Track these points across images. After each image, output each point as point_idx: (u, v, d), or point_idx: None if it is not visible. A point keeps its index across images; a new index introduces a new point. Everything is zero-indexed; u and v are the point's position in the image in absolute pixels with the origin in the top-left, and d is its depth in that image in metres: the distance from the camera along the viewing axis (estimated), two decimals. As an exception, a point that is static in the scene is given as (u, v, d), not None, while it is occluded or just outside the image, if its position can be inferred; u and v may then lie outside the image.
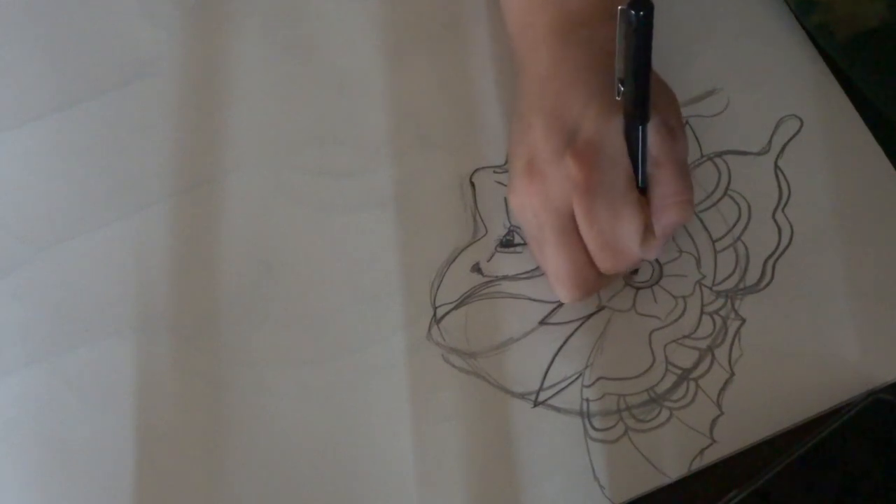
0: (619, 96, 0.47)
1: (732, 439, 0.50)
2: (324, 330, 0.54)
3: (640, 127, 0.47)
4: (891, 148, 0.55)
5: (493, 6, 0.60)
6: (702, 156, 0.56)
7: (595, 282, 0.51)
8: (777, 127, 0.56)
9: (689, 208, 0.49)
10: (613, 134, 0.48)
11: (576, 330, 0.53)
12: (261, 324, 0.54)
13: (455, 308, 0.54)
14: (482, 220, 0.55)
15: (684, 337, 0.52)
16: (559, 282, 0.51)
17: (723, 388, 0.51)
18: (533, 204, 0.50)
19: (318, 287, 0.54)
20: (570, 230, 0.49)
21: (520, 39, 0.54)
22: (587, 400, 0.51)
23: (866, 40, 0.55)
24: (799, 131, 0.56)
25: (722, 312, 0.52)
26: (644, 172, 0.49)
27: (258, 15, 0.61)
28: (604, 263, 0.49)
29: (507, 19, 0.56)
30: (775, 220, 0.54)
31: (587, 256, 0.50)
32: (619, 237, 0.48)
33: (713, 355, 0.52)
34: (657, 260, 0.54)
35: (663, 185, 0.49)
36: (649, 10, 0.43)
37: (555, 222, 0.50)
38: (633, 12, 0.43)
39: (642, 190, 0.49)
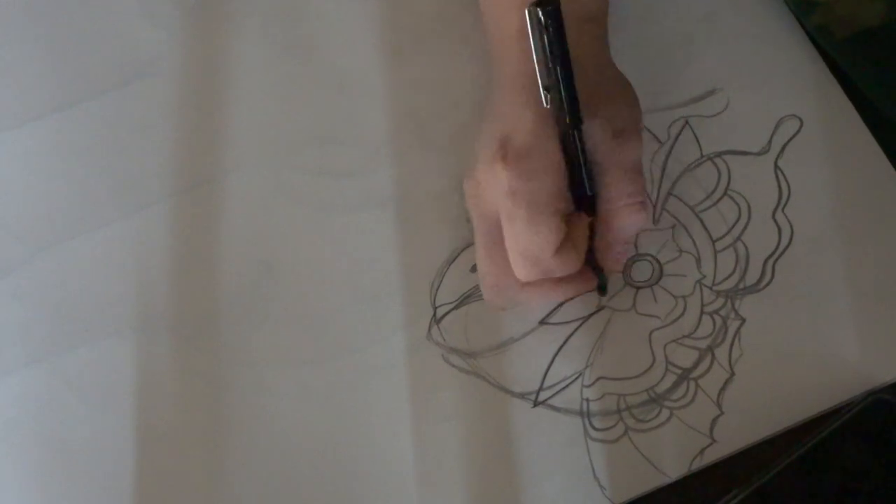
0: (547, 104, 0.46)
1: (732, 439, 0.50)
2: (324, 330, 0.54)
3: (575, 132, 0.47)
4: (891, 148, 0.55)
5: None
6: (702, 156, 0.56)
7: (513, 289, 0.50)
8: (777, 127, 0.56)
9: (640, 212, 0.49)
10: (544, 142, 0.47)
11: (576, 330, 0.53)
12: (261, 324, 0.54)
13: (455, 308, 0.54)
14: (482, 220, 0.55)
15: (684, 337, 0.52)
16: (484, 287, 0.52)
17: (723, 388, 0.51)
18: (470, 207, 0.51)
19: (318, 287, 0.54)
20: (496, 236, 0.50)
21: (491, 41, 0.54)
22: (587, 400, 0.51)
23: (866, 40, 0.55)
24: (799, 131, 0.56)
25: (722, 312, 0.52)
26: (590, 176, 0.48)
27: (258, 15, 0.61)
28: (519, 269, 0.49)
29: (484, 17, 0.56)
30: (775, 220, 0.54)
31: (506, 262, 0.50)
32: (533, 246, 0.48)
33: (713, 355, 0.52)
34: (657, 259, 0.54)
35: (610, 190, 0.48)
36: (555, 4, 0.42)
37: (482, 227, 0.50)
38: (539, 10, 0.42)
39: (590, 197, 0.49)
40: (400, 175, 0.57)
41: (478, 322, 0.53)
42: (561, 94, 0.45)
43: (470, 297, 0.54)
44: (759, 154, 0.56)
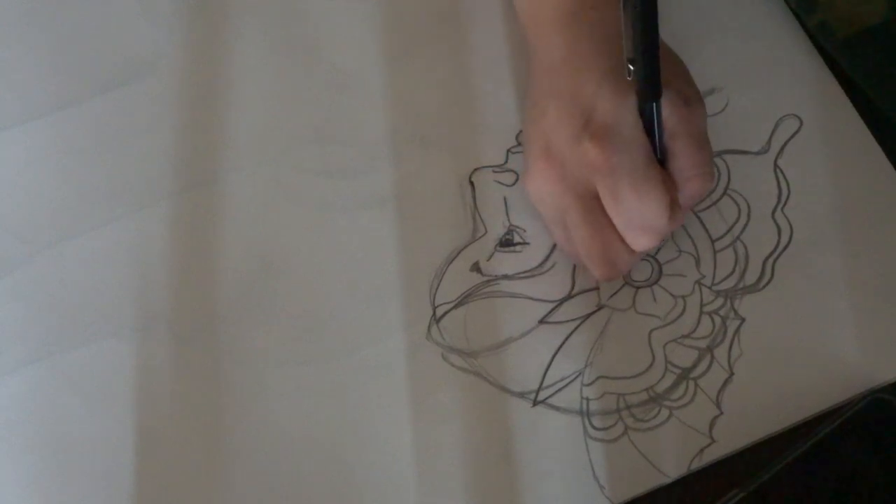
0: (629, 76, 0.47)
1: (732, 439, 0.50)
2: (324, 330, 0.54)
3: (654, 103, 0.47)
4: (891, 148, 0.55)
5: (494, 5, 0.60)
6: (701, 155, 0.56)
7: (627, 258, 0.51)
8: (777, 126, 0.56)
9: (710, 178, 0.50)
10: (628, 113, 0.48)
11: (575, 329, 0.53)
12: (261, 324, 0.54)
13: (455, 307, 0.54)
14: (482, 220, 0.55)
15: (684, 336, 0.52)
16: (592, 262, 0.51)
17: (722, 388, 0.51)
18: (554, 190, 0.50)
19: (318, 287, 0.54)
20: (597, 211, 0.49)
21: (530, 25, 0.54)
22: (587, 399, 0.51)
23: (867, 39, 0.55)
24: (798, 131, 0.56)
25: (721, 312, 0.52)
26: (662, 146, 0.49)
27: (258, 15, 0.61)
28: (634, 241, 0.49)
29: (517, 6, 0.56)
30: (775, 220, 0.54)
31: (616, 234, 0.50)
32: (645, 214, 0.48)
33: (712, 355, 0.52)
34: (657, 259, 0.54)
35: (682, 158, 0.49)
36: None
37: (579, 205, 0.50)
38: None
39: (660, 163, 0.49)
40: (400, 175, 0.57)
41: (477, 321, 0.53)
42: (643, 67, 0.46)
43: (470, 296, 0.54)
44: (758, 153, 0.56)
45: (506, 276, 0.54)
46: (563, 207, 0.50)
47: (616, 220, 0.49)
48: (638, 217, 0.48)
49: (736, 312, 0.52)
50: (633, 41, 0.45)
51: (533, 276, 0.54)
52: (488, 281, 0.54)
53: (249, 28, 0.61)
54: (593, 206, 0.49)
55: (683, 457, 0.50)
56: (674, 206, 0.49)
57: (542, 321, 0.53)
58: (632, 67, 0.46)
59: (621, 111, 0.48)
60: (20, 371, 0.53)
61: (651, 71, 0.46)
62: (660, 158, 0.49)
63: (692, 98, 0.50)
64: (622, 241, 0.50)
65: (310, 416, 0.52)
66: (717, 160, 0.55)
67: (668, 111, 0.48)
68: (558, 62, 0.51)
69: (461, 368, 0.52)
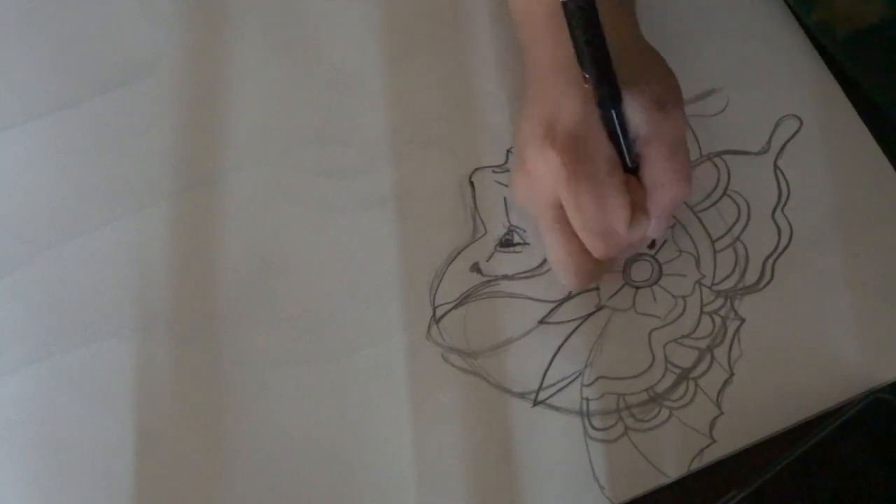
0: (587, 84, 0.47)
1: (732, 439, 0.50)
2: (324, 330, 0.54)
3: (614, 110, 0.47)
4: (891, 148, 0.55)
5: (494, 6, 0.60)
6: (701, 155, 0.56)
7: (593, 267, 0.51)
8: (776, 127, 0.56)
9: (684, 184, 0.49)
10: (591, 121, 0.48)
11: (575, 329, 0.53)
12: (261, 324, 0.54)
13: (455, 308, 0.54)
14: (481, 220, 0.55)
15: (684, 336, 0.52)
16: (559, 270, 0.51)
17: (722, 388, 0.51)
18: (526, 196, 0.51)
19: (318, 287, 0.54)
20: (561, 219, 0.49)
21: (521, 29, 0.54)
22: (587, 399, 0.51)
23: (867, 37, 0.55)
24: (798, 131, 0.56)
25: (721, 312, 0.52)
26: (634, 153, 0.48)
27: (258, 15, 0.61)
28: (596, 250, 0.49)
29: (511, 8, 0.56)
30: (774, 220, 0.54)
31: (581, 244, 0.50)
32: (604, 223, 0.48)
33: (713, 355, 0.52)
34: (657, 259, 0.54)
35: (654, 164, 0.48)
36: None
37: (546, 213, 0.50)
38: (574, 4, 0.44)
39: (632, 171, 0.49)
40: (400, 175, 0.57)
41: (477, 322, 0.53)
42: (596, 73, 0.46)
43: (469, 296, 0.54)
44: (758, 154, 0.56)
45: (506, 277, 0.54)
46: (535, 215, 0.51)
47: (577, 228, 0.49)
48: (598, 224, 0.48)
49: (736, 313, 0.52)
50: (579, 50, 0.45)
51: (533, 276, 0.54)
52: (488, 281, 0.54)
53: (249, 28, 0.61)
54: (559, 214, 0.49)
55: (683, 457, 0.50)
56: (638, 213, 0.48)
57: (542, 321, 0.53)
58: (587, 76, 0.46)
59: (583, 119, 0.48)
60: (20, 371, 0.53)
61: (604, 79, 0.46)
62: (633, 165, 0.49)
63: (667, 102, 0.49)
64: (584, 250, 0.50)
65: (310, 416, 0.52)
66: (717, 160, 0.55)
67: (641, 116, 0.48)
68: (542, 67, 0.51)
69: (461, 369, 0.52)
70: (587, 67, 0.46)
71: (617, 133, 0.48)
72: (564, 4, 0.44)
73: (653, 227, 0.50)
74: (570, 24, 0.45)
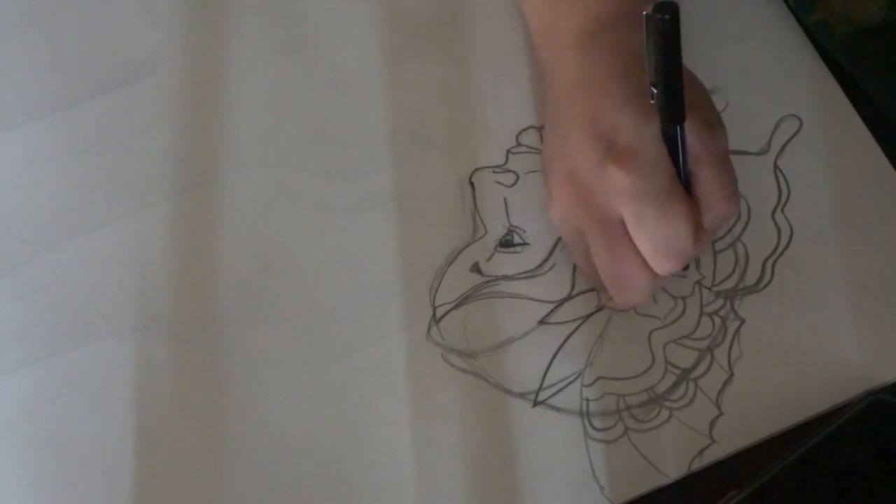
0: (653, 100, 0.46)
1: (732, 439, 0.50)
2: (323, 330, 0.54)
3: (679, 127, 0.47)
4: (891, 148, 0.55)
5: (494, 6, 0.60)
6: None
7: (648, 284, 0.50)
8: (776, 127, 0.56)
9: (735, 201, 0.49)
10: (651, 137, 0.47)
11: (575, 329, 0.53)
12: (261, 324, 0.54)
13: (455, 308, 0.54)
14: (482, 220, 0.55)
15: (684, 337, 0.52)
16: (613, 288, 0.51)
17: (722, 389, 0.51)
18: (577, 215, 0.50)
19: (318, 287, 0.54)
20: (619, 236, 0.49)
21: (545, 47, 0.54)
22: (587, 400, 0.51)
23: (867, 37, 0.55)
24: (798, 131, 0.56)
25: (721, 312, 0.52)
26: (686, 170, 0.48)
27: (258, 15, 0.61)
28: (660, 266, 0.49)
29: (531, 27, 0.56)
30: (774, 221, 0.54)
31: (638, 260, 0.49)
32: (671, 238, 0.48)
33: (713, 355, 0.52)
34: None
35: (706, 181, 0.48)
36: (674, 12, 0.43)
37: (602, 230, 0.49)
38: (658, 17, 0.43)
39: (685, 187, 0.49)
40: (400, 175, 0.57)
41: (477, 322, 0.53)
42: (667, 91, 0.46)
43: (469, 296, 0.54)
44: (758, 154, 0.56)
45: (506, 277, 0.54)
46: (589, 233, 0.50)
47: (641, 245, 0.48)
48: (663, 241, 0.48)
49: (736, 313, 0.52)
50: (656, 66, 0.45)
51: (533, 276, 0.54)
52: (488, 281, 0.54)
53: (249, 28, 0.61)
54: (616, 231, 0.49)
55: (683, 457, 0.50)
56: (698, 229, 0.48)
57: (542, 322, 0.53)
58: (655, 91, 0.46)
59: (644, 135, 0.47)
60: (20, 371, 0.53)
61: (674, 95, 0.46)
62: (684, 182, 0.48)
63: (714, 121, 0.49)
64: (644, 266, 0.49)
65: (310, 416, 0.52)
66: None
67: (692, 135, 0.48)
68: (576, 85, 0.51)
69: (461, 369, 0.52)
70: (661, 84, 0.45)
71: (677, 150, 0.48)
72: (649, 17, 0.43)
73: (700, 244, 0.50)
74: (647, 38, 0.44)
